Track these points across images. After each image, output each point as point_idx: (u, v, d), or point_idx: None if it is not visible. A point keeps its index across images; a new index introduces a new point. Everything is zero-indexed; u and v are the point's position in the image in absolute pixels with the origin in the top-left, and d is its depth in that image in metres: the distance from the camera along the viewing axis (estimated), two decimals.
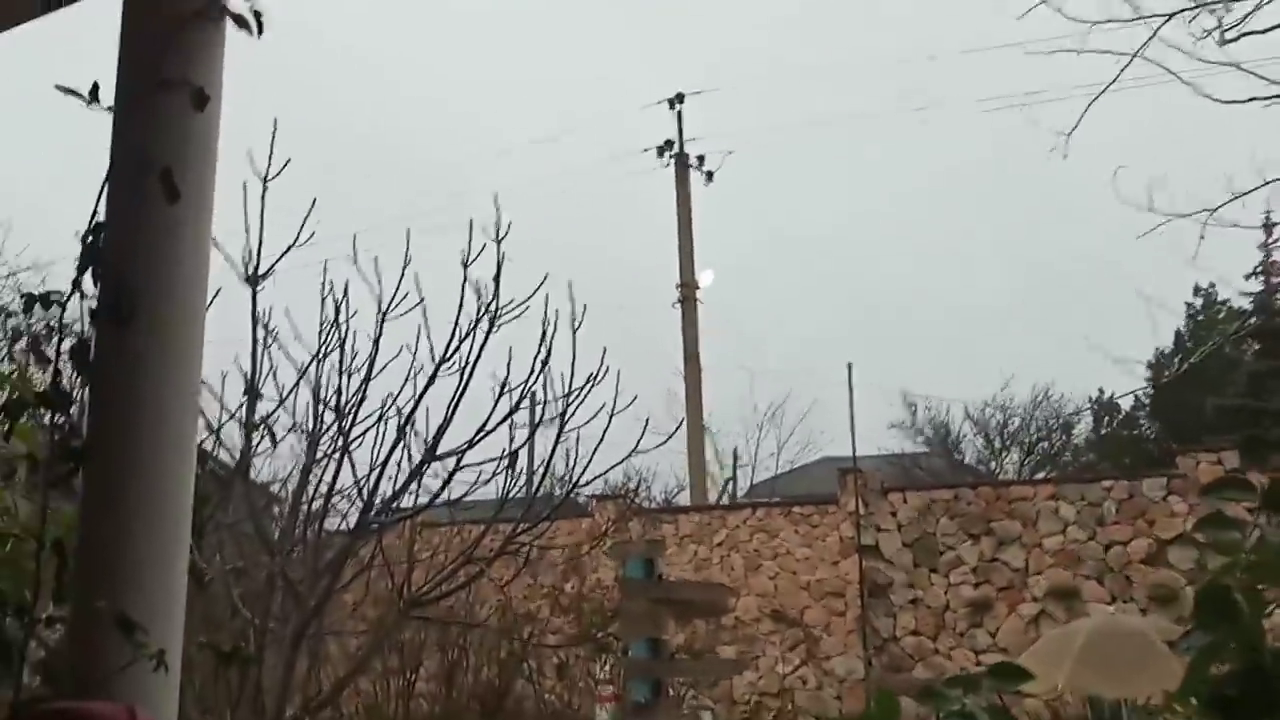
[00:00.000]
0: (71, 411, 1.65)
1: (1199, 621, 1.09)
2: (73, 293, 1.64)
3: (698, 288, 24.25)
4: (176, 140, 1.42)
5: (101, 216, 1.58)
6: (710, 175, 24.77)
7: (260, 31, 1.44)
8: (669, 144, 24.67)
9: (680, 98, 24.81)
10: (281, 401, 5.54)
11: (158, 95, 1.42)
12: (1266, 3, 4.13)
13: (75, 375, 1.63)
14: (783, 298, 40.02)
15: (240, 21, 1.42)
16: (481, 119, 42.27)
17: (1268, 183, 4.19)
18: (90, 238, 1.56)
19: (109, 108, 1.57)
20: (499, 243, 5.57)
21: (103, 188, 1.57)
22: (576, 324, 5.68)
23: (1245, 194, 4.22)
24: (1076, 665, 7.70)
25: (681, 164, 24.61)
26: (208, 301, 1.54)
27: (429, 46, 44.07)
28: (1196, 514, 13.34)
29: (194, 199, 1.41)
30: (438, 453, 5.46)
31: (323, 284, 5.65)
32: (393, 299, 5.44)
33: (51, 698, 1.66)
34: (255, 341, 5.39)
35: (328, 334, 5.51)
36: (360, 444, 5.44)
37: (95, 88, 1.53)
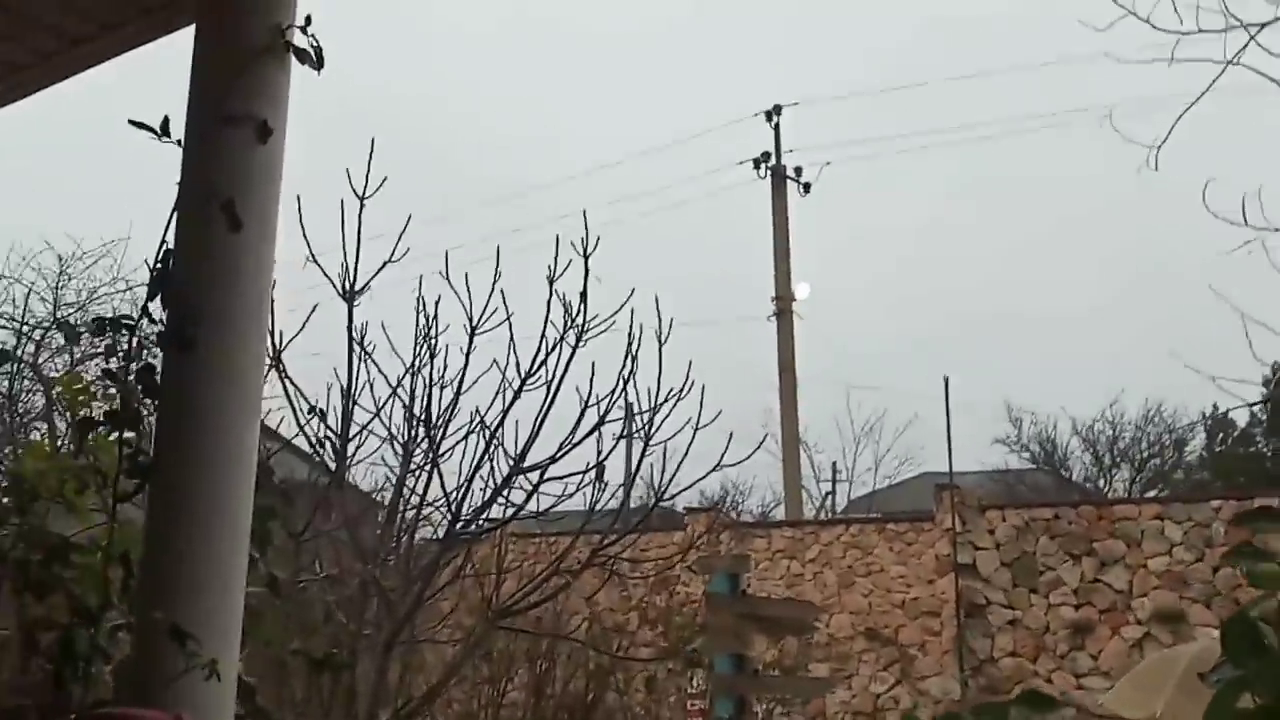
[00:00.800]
0: (141, 429, 1.75)
1: (1227, 654, 1.08)
2: (141, 317, 1.73)
3: (794, 300, 24.13)
4: (240, 172, 1.49)
5: (171, 245, 1.68)
6: (807, 187, 24.66)
7: (321, 66, 1.52)
8: (765, 156, 24.62)
9: (778, 109, 24.76)
10: (376, 413, 5.70)
11: (223, 128, 1.50)
12: None
13: (144, 395, 1.73)
14: (880, 311, 39.57)
15: (303, 57, 1.49)
16: (576, 137, 42.71)
17: None
18: (159, 265, 1.66)
19: (178, 141, 1.67)
20: (586, 258, 5.65)
21: (170, 217, 1.67)
22: (664, 338, 5.75)
23: None
24: (1177, 692, 7.46)
25: (778, 176, 24.53)
26: (268, 325, 1.62)
27: (529, 65, 44.70)
28: None
29: (256, 228, 1.49)
30: (525, 465, 5.57)
31: (418, 300, 5.80)
32: (482, 314, 5.56)
33: (112, 703, 1.75)
34: (351, 355, 5.57)
35: (419, 348, 5.65)
36: (449, 456, 5.56)
37: (165, 122, 1.63)
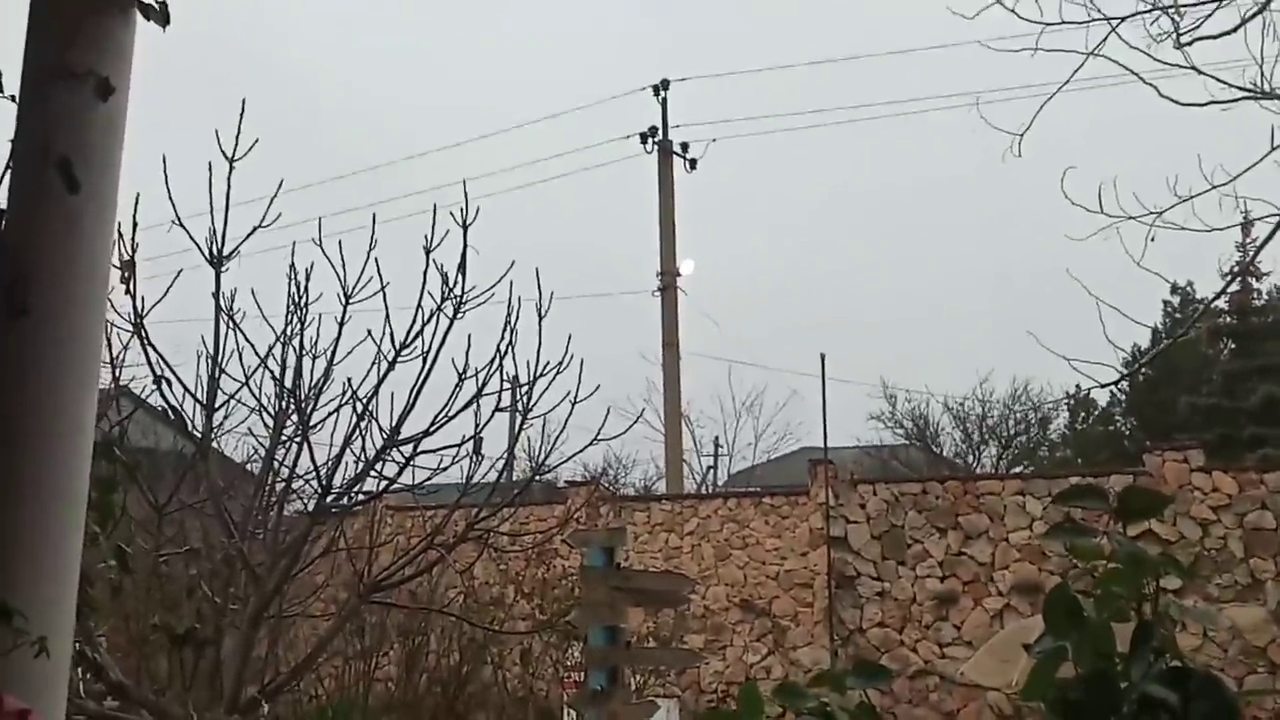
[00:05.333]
0: None
1: (1047, 626, 1.13)
2: None
3: (678, 276, 24.27)
4: (79, 130, 1.42)
5: (3, 205, 1.59)
6: (694, 163, 24.76)
7: (167, 22, 1.46)
8: (653, 130, 24.63)
9: (665, 84, 24.77)
10: (245, 383, 5.55)
11: (60, 84, 1.42)
12: (1218, 8, 4.18)
13: None
14: (762, 289, 40.13)
15: (147, 11, 1.43)
16: (462, 108, 42.20)
17: (1214, 187, 4.24)
18: None
19: (11, 96, 1.59)
20: (465, 228, 5.58)
21: (1, 176, 1.58)
22: (544, 311, 5.72)
23: (1191, 198, 4.27)
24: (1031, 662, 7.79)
25: (664, 151, 24.58)
26: (109, 290, 1.56)
27: (416, 31, 43.89)
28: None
29: (96, 190, 1.42)
30: (400, 438, 5.49)
31: (290, 267, 5.66)
32: (357, 283, 5.45)
33: None
34: (218, 322, 5.40)
35: (291, 317, 5.52)
36: (320, 429, 5.45)
37: None
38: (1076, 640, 1.15)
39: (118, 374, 5.24)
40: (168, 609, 5.28)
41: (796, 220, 41.67)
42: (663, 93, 24.76)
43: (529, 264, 5.73)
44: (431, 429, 5.32)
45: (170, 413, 5.18)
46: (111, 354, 5.14)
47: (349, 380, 5.35)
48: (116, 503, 2.20)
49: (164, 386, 5.11)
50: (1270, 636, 13.69)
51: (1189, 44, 4.28)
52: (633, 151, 24.78)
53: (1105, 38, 4.33)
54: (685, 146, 24.67)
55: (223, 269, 5.37)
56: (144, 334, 5.15)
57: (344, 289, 5.46)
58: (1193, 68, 4.45)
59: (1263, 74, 4.41)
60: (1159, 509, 1.39)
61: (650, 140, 24.60)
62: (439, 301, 5.39)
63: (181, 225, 5.39)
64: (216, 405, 5.37)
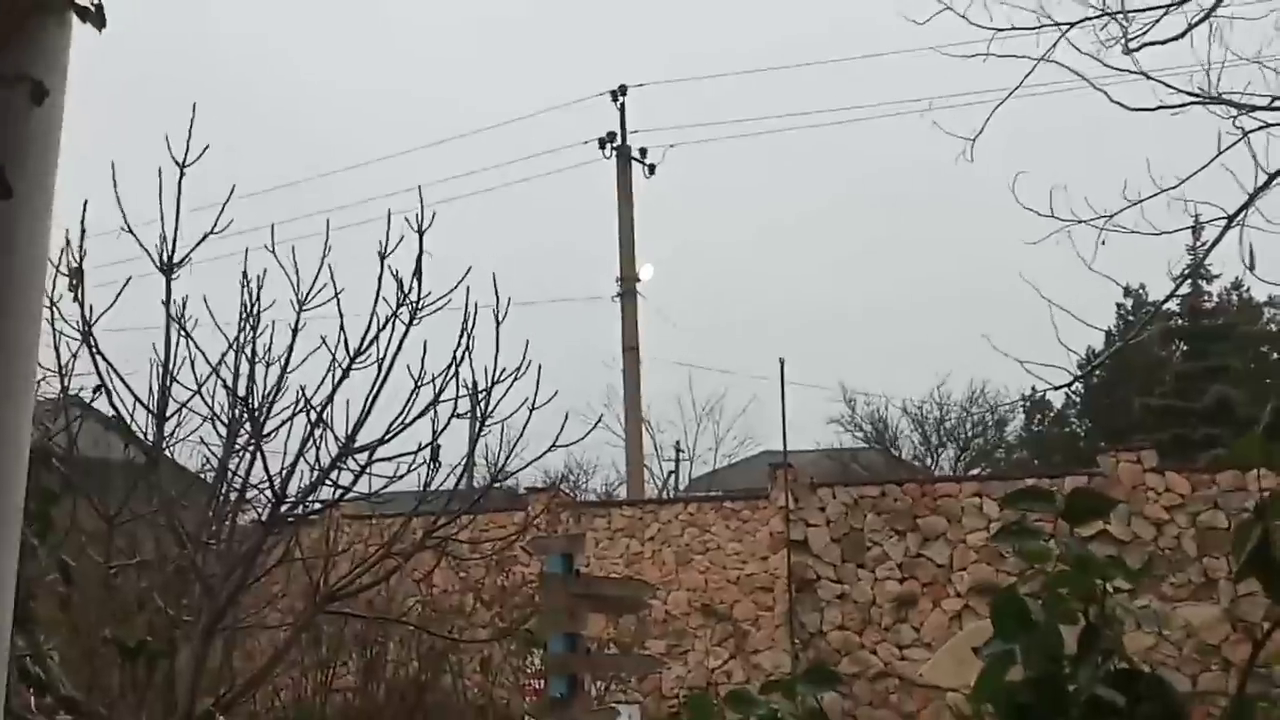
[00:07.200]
0: None
1: (995, 629, 1.13)
2: None
3: (638, 280, 24.30)
4: (11, 136, 1.39)
5: None
6: (652, 169, 24.82)
7: (103, 25, 1.43)
8: (611, 136, 24.66)
9: (623, 90, 24.81)
10: (197, 391, 5.48)
11: None
12: (1166, 14, 4.23)
13: None
14: (722, 293, 40.25)
15: (83, 14, 1.40)
16: (421, 113, 42.03)
17: (1162, 190, 4.30)
18: None
19: None
20: (421, 234, 5.54)
21: None
22: (501, 317, 5.69)
23: (1141, 201, 4.33)
24: None
25: (623, 157, 24.61)
26: (45, 301, 1.51)
27: (365, 34, 43.68)
28: (1112, 515, 13.62)
29: (29, 197, 1.39)
30: (355, 446, 5.44)
31: (242, 274, 5.59)
32: (310, 290, 5.40)
33: None
34: (169, 329, 5.33)
35: (243, 323, 5.45)
36: (274, 437, 5.38)
37: None
38: (1025, 643, 1.15)
39: (67, 382, 5.15)
40: (119, 621, 5.19)
41: (755, 225, 41.89)
42: (620, 98, 24.82)
43: (488, 269, 5.71)
44: (387, 436, 5.27)
45: (118, 420, 5.09)
46: (60, 362, 5.06)
47: (303, 388, 5.30)
48: (58, 515, 2.15)
49: (112, 395, 5.03)
50: (1224, 634, 13.89)
51: (1138, 49, 4.34)
52: (592, 157, 24.80)
53: (1055, 43, 4.39)
54: (644, 152, 24.73)
55: (174, 276, 5.30)
56: (92, 342, 5.07)
57: (297, 296, 5.41)
58: (1141, 73, 4.51)
59: (1210, 79, 4.48)
60: (1106, 511, 1.40)
61: (609, 146, 24.64)
62: (394, 308, 5.35)
63: (131, 232, 5.32)
64: (168, 414, 5.29)
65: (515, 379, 5.71)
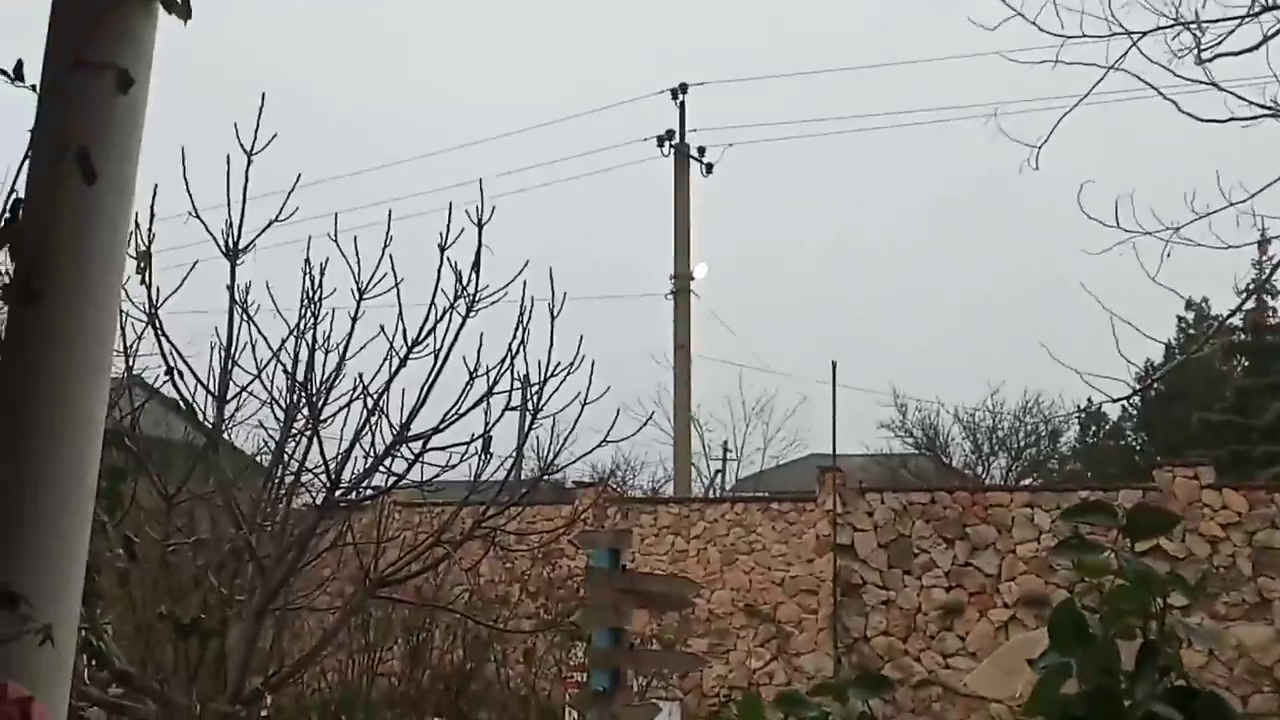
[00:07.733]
0: None
1: (1052, 641, 1.12)
2: None
3: (691, 279, 24.27)
4: (97, 121, 1.43)
5: (21, 194, 1.60)
6: (710, 167, 24.78)
7: (189, 16, 1.47)
8: (669, 134, 24.64)
9: (683, 88, 24.78)
10: (257, 375, 5.56)
11: (80, 75, 1.43)
12: (1240, 25, 4.16)
13: None
14: (775, 295, 40.10)
15: (169, 5, 1.44)
16: (478, 106, 42.28)
17: (1231, 204, 4.23)
18: (7, 215, 1.59)
19: (32, 86, 1.59)
20: (480, 227, 5.59)
21: (20, 165, 1.59)
22: (556, 312, 5.72)
23: (1210, 214, 4.26)
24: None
25: (681, 155, 24.58)
26: (125, 280, 1.56)
27: (428, 33, 44.01)
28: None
29: (113, 181, 1.43)
30: (409, 434, 5.50)
31: (305, 261, 5.67)
32: (370, 279, 5.47)
33: None
34: (232, 314, 5.42)
35: (304, 310, 5.53)
36: (330, 423, 5.46)
37: (19, 65, 1.55)
38: (1081, 657, 1.14)
39: (131, 363, 5.26)
40: (175, 599, 5.29)
41: (811, 227, 41.65)
42: (680, 96, 24.79)
43: (543, 264, 5.73)
44: (441, 426, 5.32)
45: (181, 403, 5.19)
46: (125, 344, 5.16)
47: (360, 375, 5.37)
48: (125, 492, 2.21)
49: (176, 377, 5.13)
50: (1277, 655, 13.62)
51: (1210, 60, 4.27)
52: (649, 154, 24.80)
53: (1126, 52, 4.33)
54: (702, 151, 24.71)
55: (238, 262, 5.39)
56: (158, 324, 5.17)
57: (358, 284, 5.48)
58: (1213, 84, 4.43)
59: None
60: (1168, 527, 1.39)
61: (667, 144, 24.62)
62: (452, 299, 5.40)
63: (198, 217, 5.41)
64: (228, 397, 5.39)
65: (569, 373, 5.74)
